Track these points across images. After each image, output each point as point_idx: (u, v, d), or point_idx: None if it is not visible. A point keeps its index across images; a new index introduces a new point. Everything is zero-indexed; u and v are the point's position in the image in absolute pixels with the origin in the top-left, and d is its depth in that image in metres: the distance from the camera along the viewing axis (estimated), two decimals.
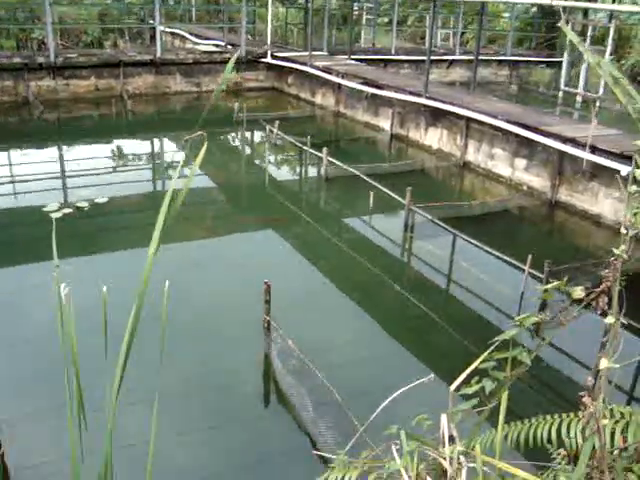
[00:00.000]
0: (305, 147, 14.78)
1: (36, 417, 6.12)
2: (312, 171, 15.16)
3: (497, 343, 2.53)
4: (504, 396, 2.40)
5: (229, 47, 24.38)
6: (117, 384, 2.12)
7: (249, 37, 25.90)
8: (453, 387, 2.49)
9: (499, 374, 2.43)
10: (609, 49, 18.16)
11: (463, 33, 30.91)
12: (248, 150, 17.99)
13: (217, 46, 24.78)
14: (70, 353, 2.30)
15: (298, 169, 16.10)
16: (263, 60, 22.89)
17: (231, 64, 2.14)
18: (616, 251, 2.20)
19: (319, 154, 13.71)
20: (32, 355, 7.05)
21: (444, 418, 2.52)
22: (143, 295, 2.00)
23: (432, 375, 3.13)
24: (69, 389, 2.29)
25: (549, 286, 2.39)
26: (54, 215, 11.11)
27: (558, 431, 2.74)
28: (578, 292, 2.23)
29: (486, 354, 2.50)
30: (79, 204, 11.72)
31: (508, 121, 13.48)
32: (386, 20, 35.54)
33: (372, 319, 8.35)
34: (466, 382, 2.64)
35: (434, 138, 16.14)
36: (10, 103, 19.84)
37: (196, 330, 7.75)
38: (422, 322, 8.39)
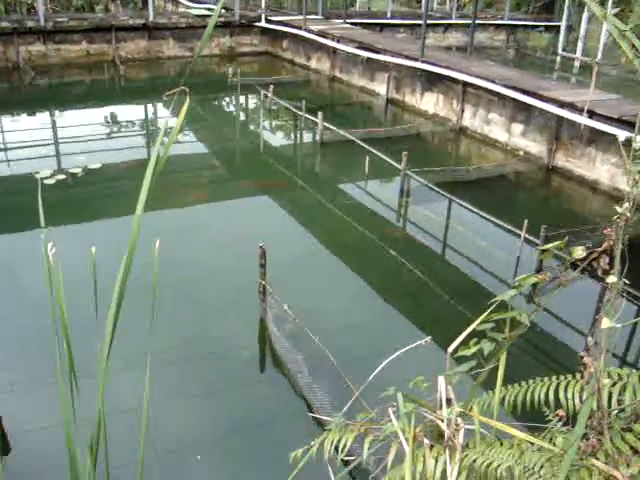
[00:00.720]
0: (300, 112, 14.63)
1: (31, 383, 6.11)
2: (307, 136, 15.04)
3: (494, 305, 2.50)
4: (503, 357, 2.37)
5: (222, 11, 23.99)
6: (107, 347, 2.08)
7: (243, 1, 25.44)
8: (451, 349, 2.46)
9: (497, 335, 2.40)
10: (609, 8, 17.92)
11: None
12: (242, 115, 17.80)
13: (210, 10, 24.39)
14: (60, 318, 2.26)
15: (293, 134, 15.96)
16: (257, 24, 22.56)
17: (211, 26, 2.06)
18: (619, 209, 2.15)
19: (314, 119, 13.58)
20: (23, 322, 7.03)
21: (441, 380, 2.50)
22: (131, 255, 1.95)
23: (429, 337, 3.10)
24: (59, 354, 2.25)
25: (548, 246, 2.35)
26: (47, 182, 11.02)
27: (556, 393, 2.72)
28: (579, 252, 2.19)
29: (484, 316, 2.46)
30: (72, 170, 11.62)
31: (505, 86, 13.34)
32: None
33: (368, 284, 8.34)
34: (463, 344, 2.61)
35: (430, 103, 15.98)
36: (0, 68, 19.56)
37: (191, 295, 7.73)
38: (417, 287, 8.38)
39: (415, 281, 8.50)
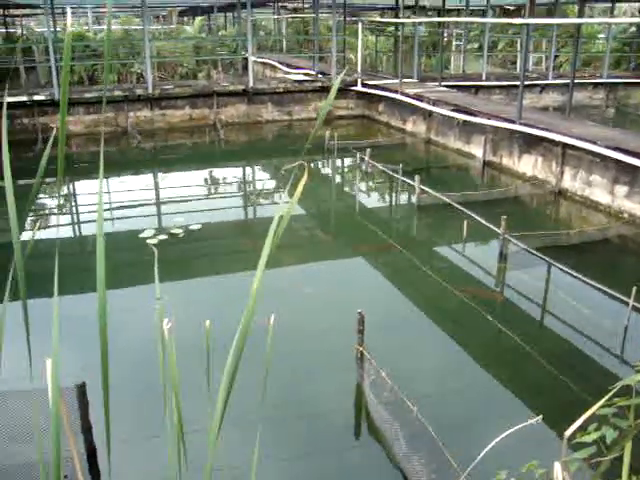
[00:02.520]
0: (396, 175, 14.70)
1: (134, 444, 6.22)
2: (403, 199, 15.04)
3: (616, 389, 2.35)
4: (628, 446, 2.22)
5: (319, 76, 24.68)
6: (219, 417, 2.08)
7: (339, 65, 26.12)
8: (568, 433, 2.32)
9: (621, 421, 2.25)
10: None
11: (556, 57, 30.19)
12: (339, 178, 18.05)
13: (307, 75, 25.14)
14: (171, 384, 2.29)
15: (390, 197, 16.01)
16: (353, 88, 23.03)
17: (334, 91, 2.09)
18: None
19: (411, 182, 13.59)
20: (132, 384, 7.20)
21: (558, 467, 2.35)
22: (250, 320, 1.96)
23: (540, 417, 2.95)
24: (169, 418, 2.27)
25: None
26: (150, 241, 11.44)
27: None
28: None
29: (605, 399, 2.32)
30: (174, 231, 12.02)
31: (607, 147, 12.97)
32: (476, 46, 35.25)
33: (465, 350, 8.12)
34: (579, 428, 2.46)
35: (528, 165, 15.72)
36: (111, 133, 20.77)
37: (288, 358, 7.72)
38: (516, 355, 8.07)
39: (514, 349, 8.20)
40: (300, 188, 2.29)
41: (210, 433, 2.09)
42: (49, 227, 13.17)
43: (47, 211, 14.29)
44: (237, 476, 4.70)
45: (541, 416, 2.87)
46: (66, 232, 12.78)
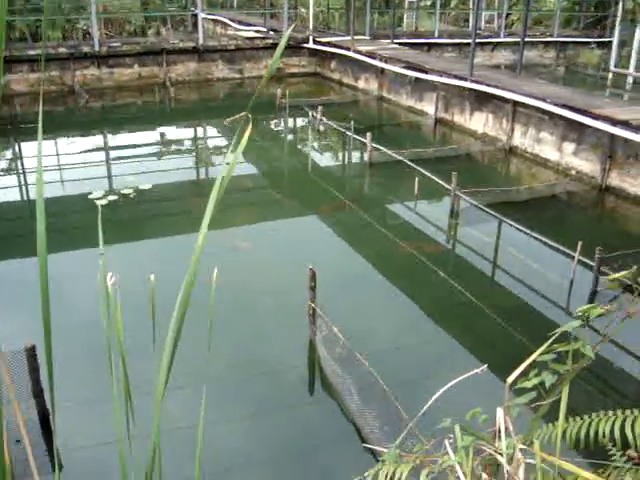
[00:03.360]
0: (348, 132, 14.66)
1: (83, 402, 6.18)
2: (356, 156, 15.04)
3: (556, 335, 2.41)
4: (565, 390, 2.28)
5: (271, 33, 24.30)
6: (165, 370, 2.07)
7: (291, 22, 25.74)
8: (510, 379, 2.38)
9: (560, 366, 2.31)
10: None
11: (508, 15, 30.26)
12: (291, 136, 17.92)
13: (259, 32, 24.72)
14: (116, 340, 2.26)
15: (341, 155, 15.99)
16: (305, 45, 22.76)
17: (281, 46, 2.05)
18: None
19: (363, 139, 13.57)
20: (77, 342, 7.12)
21: (500, 412, 2.41)
22: (193, 279, 1.94)
23: (484, 366, 3.01)
24: (115, 375, 2.25)
25: (620, 274, 2.26)
26: (100, 202, 11.24)
27: (622, 428, 2.60)
28: None
29: (545, 346, 2.38)
30: (124, 191, 11.82)
31: (556, 104, 13.13)
32: (428, 3, 35.08)
33: (417, 306, 8.25)
34: (522, 375, 2.52)
35: (479, 122, 15.84)
36: (57, 92, 20.17)
37: (240, 315, 7.74)
38: (468, 309, 8.22)
39: (465, 304, 8.35)
40: (244, 140, 2.24)
41: (157, 392, 2.08)
42: None
43: None
44: (187, 436, 4.72)
45: (486, 365, 2.93)
46: (10, 196, 12.43)
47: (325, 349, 6.67)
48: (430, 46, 24.25)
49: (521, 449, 2.29)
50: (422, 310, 8.17)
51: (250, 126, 2.25)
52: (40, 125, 1.96)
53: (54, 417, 2.09)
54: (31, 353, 5.55)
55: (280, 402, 6.38)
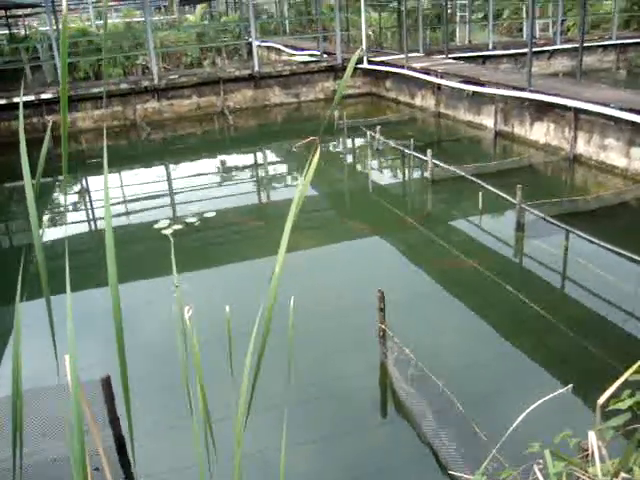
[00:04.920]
0: (408, 150, 14.59)
1: (160, 429, 6.25)
2: (417, 174, 14.93)
3: None
4: None
5: (325, 56, 24.49)
6: (246, 403, 2.05)
7: (343, 44, 25.90)
8: (601, 401, 2.27)
9: None
10: None
11: (563, 21, 29.70)
12: (351, 157, 17.94)
13: (313, 56, 24.95)
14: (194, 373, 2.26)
15: (402, 173, 15.91)
16: (359, 66, 22.84)
17: (350, 69, 2.03)
18: None
19: (423, 157, 13.48)
20: (152, 371, 7.23)
21: (592, 435, 2.30)
22: (272, 309, 1.92)
23: (570, 386, 2.90)
24: (193, 403, 2.24)
25: None
26: (165, 232, 11.45)
27: None
28: None
29: (637, 365, 2.26)
30: (188, 220, 12.02)
31: (621, 108, 12.76)
32: (480, 15, 34.79)
33: (487, 322, 8.08)
34: (612, 395, 2.41)
35: (540, 132, 15.53)
36: (120, 127, 20.79)
37: (309, 338, 7.71)
38: (539, 324, 7.99)
39: (536, 318, 8.12)
40: (314, 165, 2.23)
41: (237, 420, 2.06)
42: (62, 224, 13.19)
43: (61, 209, 14.32)
44: (266, 461, 4.70)
45: (571, 385, 2.82)
46: (80, 229, 12.81)
47: (397, 370, 6.57)
48: (485, 58, 23.98)
49: (619, 475, 2.18)
50: (492, 326, 7.99)
51: (318, 151, 2.23)
52: (105, 160, 1.99)
53: (133, 445, 2.10)
54: (106, 383, 5.66)
55: (353, 425, 6.32)
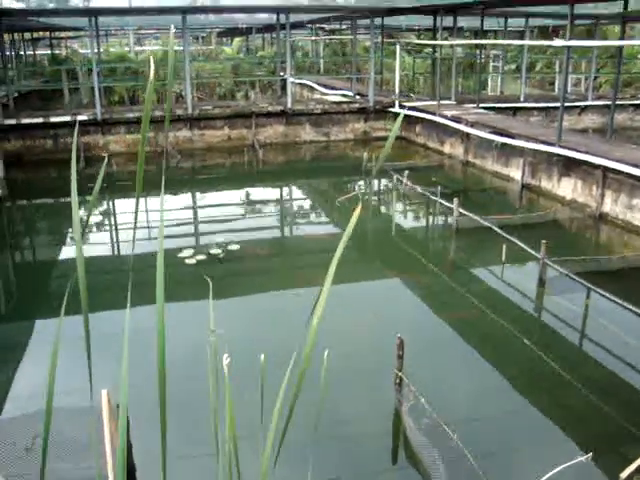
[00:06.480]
0: (434, 197, 14.66)
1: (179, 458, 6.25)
2: (441, 221, 14.98)
3: None
4: None
5: (357, 97, 24.79)
6: (272, 456, 2.10)
7: (376, 87, 26.22)
8: (625, 475, 2.29)
9: None
10: None
11: (595, 77, 29.87)
12: (376, 199, 18.05)
13: (345, 96, 25.27)
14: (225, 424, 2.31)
15: (427, 219, 15.97)
16: (391, 110, 23.09)
17: (399, 121, 2.11)
18: None
19: (449, 204, 13.54)
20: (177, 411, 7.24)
21: None
22: (309, 358, 1.98)
23: (590, 454, 2.91)
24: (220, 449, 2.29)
25: None
26: (189, 261, 11.55)
27: None
28: None
29: None
30: (212, 251, 12.12)
31: None
32: (513, 67, 35.09)
33: (504, 376, 8.03)
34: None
35: (568, 188, 15.55)
36: (150, 152, 21.10)
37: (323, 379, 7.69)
38: (556, 382, 7.94)
39: (554, 375, 8.06)
40: (354, 219, 2.32)
41: (263, 471, 2.11)
42: (92, 244, 13.37)
43: (93, 229, 14.51)
44: None
45: (591, 454, 2.83)
46: (104, 250, 13.00)
47: (411, 420, 6.56)
48: (516, 110, 24.16)
49: None
50: (509, 380, 7.94)
51: (360, 206, 2.31)
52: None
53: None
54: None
55: (363, 469, 6.30)
